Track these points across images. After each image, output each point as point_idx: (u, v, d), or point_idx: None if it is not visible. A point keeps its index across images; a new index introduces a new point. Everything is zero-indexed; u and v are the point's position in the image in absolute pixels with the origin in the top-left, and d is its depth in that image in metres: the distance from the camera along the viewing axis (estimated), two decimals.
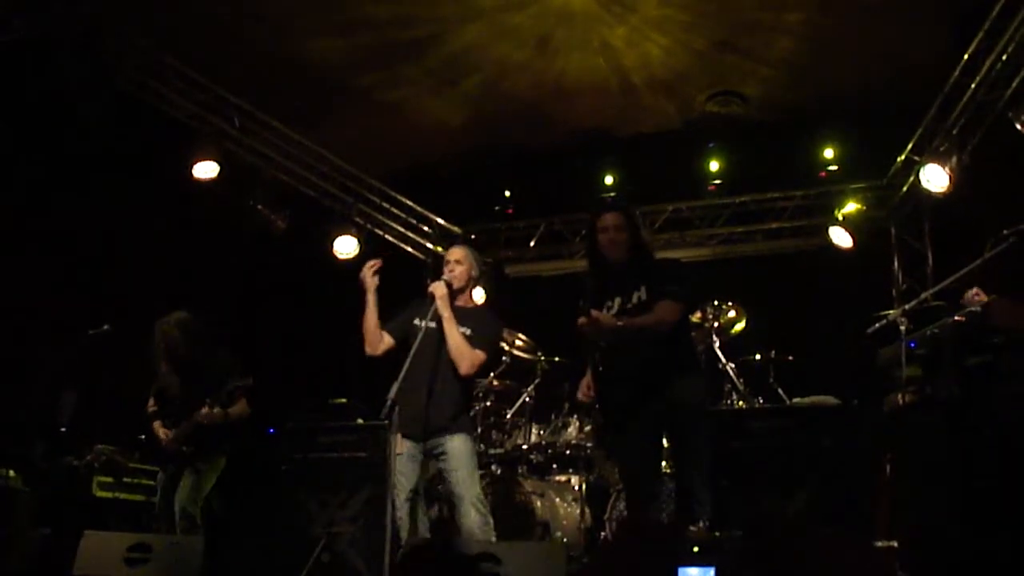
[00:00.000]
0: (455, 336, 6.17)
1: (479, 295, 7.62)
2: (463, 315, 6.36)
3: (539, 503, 8.49)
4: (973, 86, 8.42)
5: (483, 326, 6.40)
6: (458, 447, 6.13)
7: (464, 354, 6.17)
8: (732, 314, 8.76)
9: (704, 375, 7.28)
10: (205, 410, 7.46)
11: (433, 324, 6.27)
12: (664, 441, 6.50)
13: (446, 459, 6.13)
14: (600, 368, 6.23)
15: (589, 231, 6.37)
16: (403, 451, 6.12)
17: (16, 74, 8.19)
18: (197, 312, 8.11)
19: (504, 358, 9.08)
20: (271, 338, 11.07)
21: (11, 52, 7.95)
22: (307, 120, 10.28)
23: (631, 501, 6.49)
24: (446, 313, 6.19)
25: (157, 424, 7.75)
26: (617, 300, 6.12)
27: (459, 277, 6.43)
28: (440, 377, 6.22)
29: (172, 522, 7.50)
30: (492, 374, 8.94)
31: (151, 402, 7.88)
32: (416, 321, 6.29)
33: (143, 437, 7.97)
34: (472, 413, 6.69)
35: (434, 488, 6.67)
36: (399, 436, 6.14)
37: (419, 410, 6.14)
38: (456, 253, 6.57)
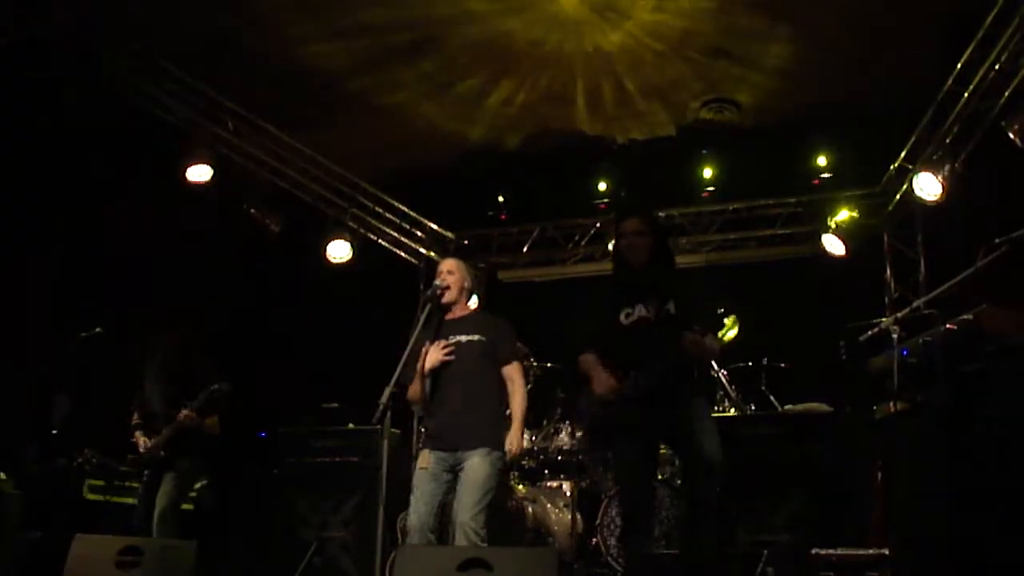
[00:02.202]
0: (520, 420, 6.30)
1: (473, 304, 7.64)
2: (466, 322, 6.38)
3: (531, 509, 8.50)
4: (966, 95, 8.43)
5: (495, 332, 6.41)
6: (475, 467, 6.03)
7: (521, 389, 6.37)
8: (725, 321, 8.76)
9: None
10: (185, 412, 7.48)
11: (459, 338, 6.29)
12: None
13: (461, 478, 6.07)
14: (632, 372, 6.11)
15: (615, 236, 6.40)
16: (427, 465, 6.11)
17: (10, 76, 8.18)
18: (190, 317, 8.11)
19: None
20: (263, 341, 11.07)
21: (6, 54, 7.94)
22: (301, 124, 10.27)
23: (632, 503, 6.41)
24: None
25: (138, 434, 7.74)
26: (640, 307, 6.11)
27: (452, 286, 6.42)
28: (459, 391, 6.20)
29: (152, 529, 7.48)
30: None
31: (135, 416, 7.87)
32: (427, 344, 6.20)
33: (131, 456, 7.94)
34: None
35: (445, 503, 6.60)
36: (426, 451, 6.15)
37: (444, 427, 6.15)
38: (449, 264, 6.55)
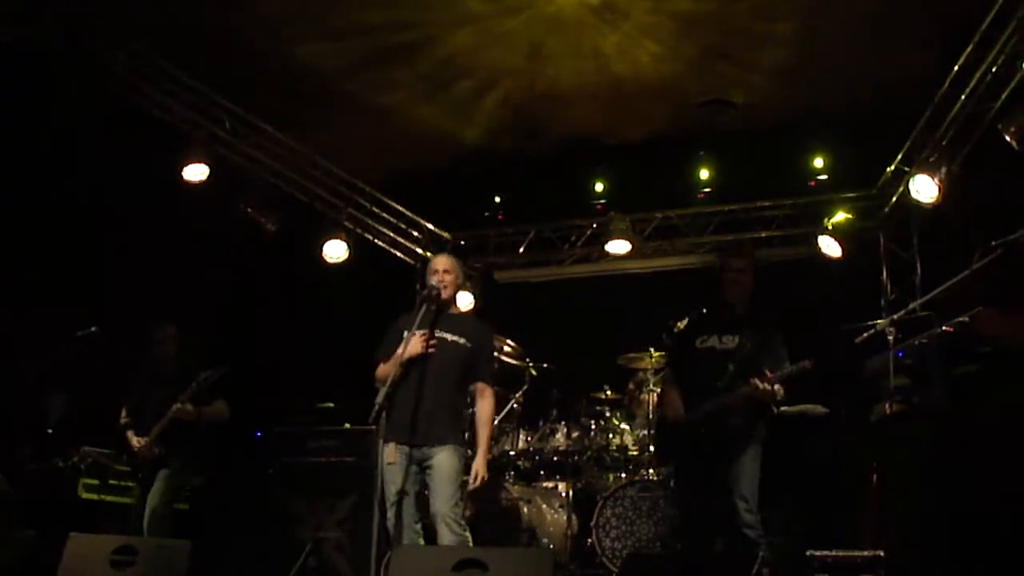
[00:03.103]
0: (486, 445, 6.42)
1: (465, 301, 7.65)
2: (456, 322, 6.42)
3: (526, 509, 8.50)
4: (963, 97, 8.43)
5: (480, 344, 6.51)
6: (443, 461, 6.10)
7: (489, 410, 6.52)
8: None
9: None
10: (177, 406, 7.46)
11: (444, 336, 6.32)
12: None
13: (431, 473, 6.12)
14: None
15: (720, 267, 6.99)
16: (394, 460, 6.10)
17: (10, 75, 8.17)
18: (186, 316, 8.11)
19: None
20: (259, 341, 11.06)
21: (5, 53, 7.93)
22: (298, 124, 10.25)
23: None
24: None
25: (130, 434, 7.75)
26: (715, 338, 6.69)
27: (449, 286, 6.44)
28: (432, 386, 6.19)
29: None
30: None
31: (123, 414, 7.87)
32: (406, 333, 6.18)
33: (127, 456, 7.95)
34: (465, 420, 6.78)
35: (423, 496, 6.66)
36: (391, 445, 6.13)
37: (409, 419, 6.14)
38: (444, 262, 6.56)
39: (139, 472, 7.76)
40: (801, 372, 6.26)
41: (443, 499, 6.02)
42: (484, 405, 6.42)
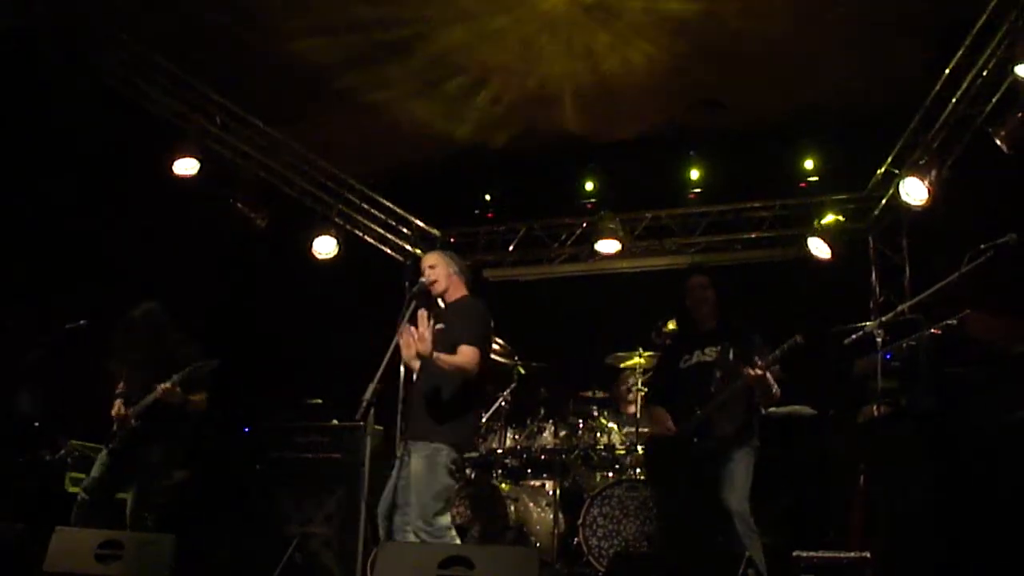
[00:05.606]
0: (441, 360, 5.92)
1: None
2: (444, 311, 6.37)
3: (513, 507, 8.50)
4: (954, 100, 8.45)
5: (461, 318, 6.22)
6: (416, 464, 5.93)
7: (455, 362, 5.98)
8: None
9: None
10: (164, 386, 7.30)
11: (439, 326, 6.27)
12: None
13: (406, 472, 6.00)
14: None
15: (683, 294, 7.29)
16: (399, 454, 6.08)
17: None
18: (174, 308, 8.08)
19: None
20: (248, 336, 11.04)
21: None
22: (289, 119, 10.24)
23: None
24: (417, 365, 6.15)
25: (119, 402, 7.62)
26: (697, 353, 6.94)
27: (439, 281, 6.41)
28: (420, 381, 6.18)
29: (102, 504, 7.33)
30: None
31: (121, 384, 7.77)
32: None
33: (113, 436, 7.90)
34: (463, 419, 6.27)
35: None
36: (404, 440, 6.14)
37: (407, 414, 6.13)
38: (430, 259, 6.53)
39: (110, 441, 7.59)
40: (793, 347, 6.25)
41: (415, 508, 5.85)
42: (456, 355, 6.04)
